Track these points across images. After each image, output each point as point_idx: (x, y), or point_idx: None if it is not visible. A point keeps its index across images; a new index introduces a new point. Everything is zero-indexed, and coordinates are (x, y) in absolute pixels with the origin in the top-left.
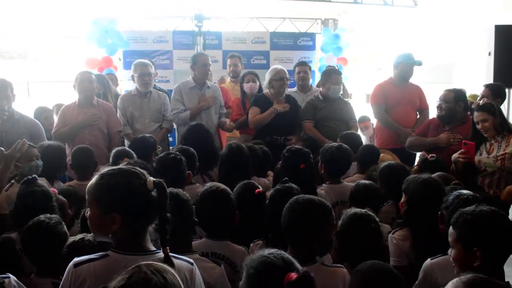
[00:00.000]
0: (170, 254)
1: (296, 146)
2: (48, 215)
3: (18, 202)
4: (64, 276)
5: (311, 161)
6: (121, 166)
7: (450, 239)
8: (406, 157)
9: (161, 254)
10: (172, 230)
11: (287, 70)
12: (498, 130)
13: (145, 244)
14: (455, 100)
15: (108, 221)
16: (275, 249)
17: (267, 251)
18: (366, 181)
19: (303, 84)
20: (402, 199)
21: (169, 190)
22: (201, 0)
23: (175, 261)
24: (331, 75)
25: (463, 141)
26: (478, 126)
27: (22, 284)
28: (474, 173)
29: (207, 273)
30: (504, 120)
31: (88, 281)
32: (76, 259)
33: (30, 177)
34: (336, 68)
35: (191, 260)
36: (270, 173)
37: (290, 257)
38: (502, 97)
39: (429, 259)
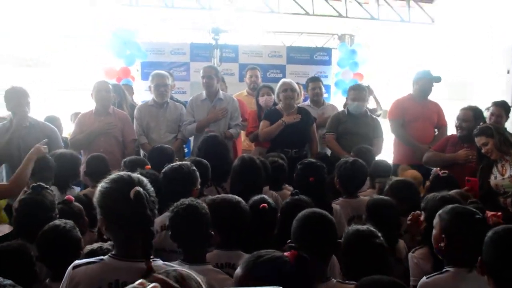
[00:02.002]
0: (165, 263)
1: (310, 159)
2: (64, 220)
3: (20, 209)
4: (64, 277)
5: (323, 175)
6: (121, 173)
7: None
8: (424, 173)
9: (158, 263)
10: (188, 241)
11: (302, 85)
12: (502, 149)
13: (151, 251)
14: (474, 119)
15: (100, 221)
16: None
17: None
18: (384, 196)
19: (317, 100)
20: (422, 217)
21: (188, 201)
22: (218, 13)
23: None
24: (351, 90)
25: (466, 178)
26: (482, 150)
27: None
28: (491, 194)
29: (220, 284)
30: (505, 138)
31: (82, 284)
32: (76, 262)
33: (35, 184)
34: (361, 84)
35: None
36: (287, 186)
37: None
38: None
39: (424, 277)
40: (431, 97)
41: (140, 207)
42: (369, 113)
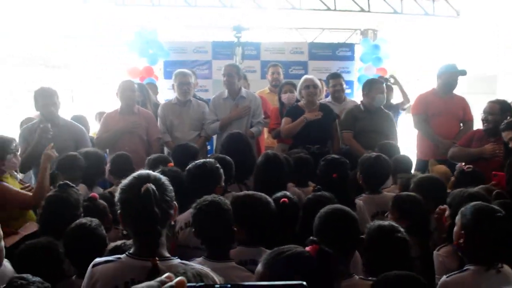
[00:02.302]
0: (183, 262)
1: (333, 155)
2: (89, 218)
3: (46, 207)
4: (86, 275)
5: (346, 171)
6: (143, 170)
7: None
8: (449, 168)
9: (175, 261)
10: (211, 238)
11: (324, 81)
12: None
13: (158, 250)
14: (501, 112)
15: (119, 217)
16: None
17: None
18: (410, 193)
19: (338, 96)
20: (446, 213)
21: (211, 198)
22: (240, 11)
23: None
24: (374, 84)
25: (493, 173)
26: (510, 145)
27: None
28: None
29: (242, 281)
30: None
31: (100, 282)
32: (96, 260)
33: (61, 182)
34: (376, 78)
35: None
36: (311, 183)
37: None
38: None
39: (444, 277)
40: (455, 91)
41: (148, 204)
42: (383, 108)
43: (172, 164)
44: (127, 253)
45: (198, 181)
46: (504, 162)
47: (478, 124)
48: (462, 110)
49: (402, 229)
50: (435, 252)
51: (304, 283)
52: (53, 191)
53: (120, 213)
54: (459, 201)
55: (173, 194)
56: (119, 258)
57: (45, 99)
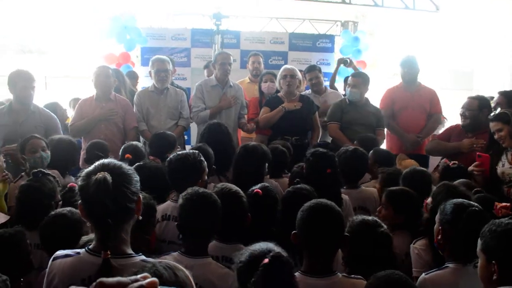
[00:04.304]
0: (146, 259)
1: (320, 149)
2: (69, 208)
3: (19, 196)
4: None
5: (336, 164)
6: (107, 159)
7: (477, 249)
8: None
9: (137, 258)
10: (195, 231)
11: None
12: None
13: (121, 246)
14: (479, 108)
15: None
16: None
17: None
18: (404, 187)
19: (317, 89)
20: (428, 201)
21: (202, 190)
22: None
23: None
24: (349, 77)
25: (477, 154)
26: (495, 136)
27: None
28: (496, 183)
29: (221, 279)
30: None
31: (57, 278)
32: (57, 253)
33: (36, 170)
34: (360, 72)
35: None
36: (288, 174)
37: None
38: None
39: (423, 274)
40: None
41: (99, 195)
42: (370, 101)
43: (129, 156)
44: (86, 248)
45: (179, 174)
46: (488, 153)
47: (456, 119)
48: (429, 103)
49: (383, 224)
50: (411, 245)
51: None
52: (27, 180)
53: (80, 202)
54: (442, 196)
55: (137, 186)
56: (78, 253)
57: (25, 81)
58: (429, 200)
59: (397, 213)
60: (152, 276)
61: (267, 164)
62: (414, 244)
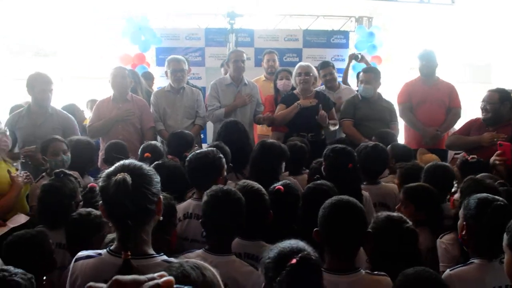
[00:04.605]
0: (167, 259)
1: (339, 145)
2: (90, 209)
3: (41, 196)
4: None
5: (356, 160)
6: (129, 160)
7: (503, 244)
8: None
9: (158, 259)
10: (220, 228)
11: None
12: None
13: (142, 246)
14: (500, 101)
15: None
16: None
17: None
18: (423, 184)
19: (331, 85)
20: (456, 196)
21: (227, 187)
22: None
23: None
24: (360, 73)
25: (498, 142)
26: None
27: None
28: None
29: (244, 277)
30: None
31: (79, 279)
32: (79, 254)
33: (57, 171)
34: (372, 67)
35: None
36: (306, 171)
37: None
38: None
39: (448, 270)
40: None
41: (119, 196)
42: (383, 96)
43: (148, 154)
44: (107, 249)
45: (200, 172)
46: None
47: (473, 113)
48: (448, 97)
49: (409, 220)
50: (438, 240)
51: None
52: (49, 180)
53: (100, 203)
54: (471, 191)
55: (158, 187)
56: (100, 254)
57: (43, 84)
58: (457, 196)
59: (418, 210)
60: (180, 277)
61: (284, 162)
62: (441, 238)
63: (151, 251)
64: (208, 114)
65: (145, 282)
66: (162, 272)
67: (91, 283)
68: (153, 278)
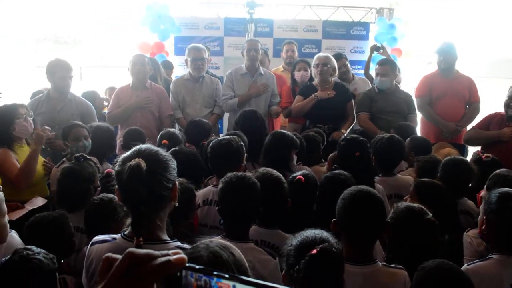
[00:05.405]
0: (181, 245)
1: (352, 135)
2: (112, 195)
3: (60, 178)
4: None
5: (367, 150)
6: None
7: None
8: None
9: (172, 245)
10: (236, 215)
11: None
12: None
13: (156, 232)
14: None
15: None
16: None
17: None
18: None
19: (345, 77)
20: (482, 194)
21: (242, 174)
22: None
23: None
24: (377, 65)
25: None
26: None
27: None
28: None
29: (261, 265)
30: None
31: (94, 263)
32: (95, 238)
33: (77, 155)
34: (388, 59)
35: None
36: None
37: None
38: None
39: (465, 265)
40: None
41: (133, 181)
42: (400, 87)
43: (166, 141)
44: (122, 233)
45: (223, 159)
46: None
47: (495, 107)
48: (468, 91)
49: (429, 212)
50: (464, 234)
51: None
52: (69, 164)
53: (116, 188)
54: (499, 186)
55: (174, 173)
56: (115, 238)
57: (63, 71)
58: (483, 193)
59: (422, 204)
60: (211, 257)
61: (294, 152)
62: (467, 232)
63: (165, 237)
64: (222, 103)
65: (158, 257)
66: (176, 250)
67: (108, 254)
68: (167, 255)
